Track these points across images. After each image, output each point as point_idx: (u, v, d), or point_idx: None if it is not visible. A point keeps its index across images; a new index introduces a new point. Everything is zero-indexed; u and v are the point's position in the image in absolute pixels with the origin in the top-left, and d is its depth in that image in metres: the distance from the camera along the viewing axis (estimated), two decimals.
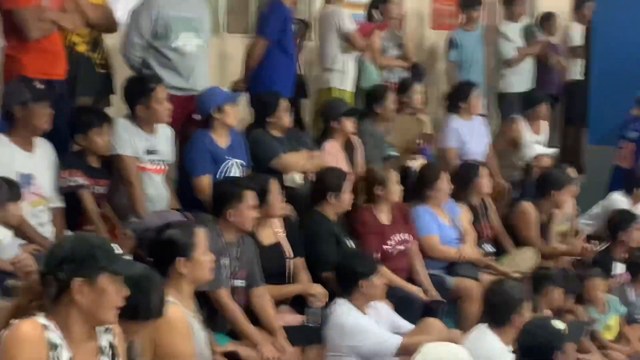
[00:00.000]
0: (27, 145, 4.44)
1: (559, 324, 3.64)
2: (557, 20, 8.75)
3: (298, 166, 5.41)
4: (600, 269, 5.71)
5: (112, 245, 2.61)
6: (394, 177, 5.31)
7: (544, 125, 7.19)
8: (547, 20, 8.69)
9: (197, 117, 5.18)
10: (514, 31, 8.05)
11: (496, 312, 4.19)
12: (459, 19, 8.03)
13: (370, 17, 7.24)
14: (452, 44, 7.79)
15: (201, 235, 3.43)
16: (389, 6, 7.24)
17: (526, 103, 7.21)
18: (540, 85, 8.15)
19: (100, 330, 2.63)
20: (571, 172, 6.43)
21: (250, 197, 4.29)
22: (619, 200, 6.56)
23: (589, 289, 5.60)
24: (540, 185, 6.16)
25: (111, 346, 2.66)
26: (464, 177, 5.88)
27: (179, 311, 3.25)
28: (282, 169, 5.32)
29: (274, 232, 4.73)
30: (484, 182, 5.93)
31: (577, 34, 8.73)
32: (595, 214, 6.72)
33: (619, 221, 6.14)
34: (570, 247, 6.09)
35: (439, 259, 5.55)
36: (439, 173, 5.64)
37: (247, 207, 4.26)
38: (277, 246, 4.69)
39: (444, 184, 5.60)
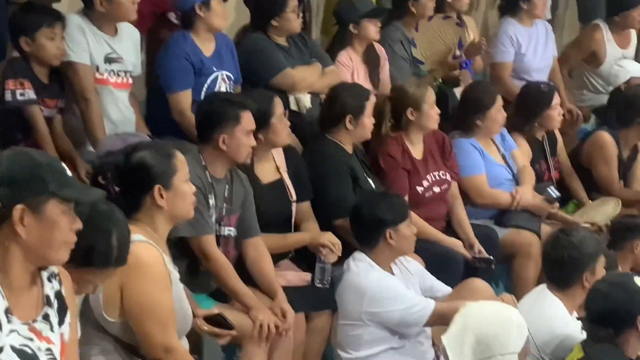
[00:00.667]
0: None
1: None
2: None
3: (307, 84, 5.49)
4: None
5: (63, 166, 2.63)
6: (430, 97, 5.35)
7: (634, 37, 7.24)
8: None
9: (173, 16, 5.26)
10: None
11: (561, 270, 4.26)
12: None
13: None
14: None
15: (181, 160, 3.50)
16: None
17: (613, 5, 7.22)
18: None
19: (44, 275, 2.67)
20: None
21: (247, 120, 4.35)
22: None
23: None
24: (622, 110, 6.23)
25: (58, 296, 2.69)
26: (529, 105, 5.98)
27: (155, 253, 3.32)
28: (287, 87, 5.40)
29: (275, 168, 4.81)
30: (556, 114, 6.02)
31: None
32: None
33: None
34: None
35: (487, 206, 5.66)
36: (492, 97, 5.70)
37: (243, 132, 4.31)
38: (279, 185, 4.76)
39: (498, 111, 5.68)
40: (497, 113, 5.67)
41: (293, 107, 5.40)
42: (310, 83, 5.50)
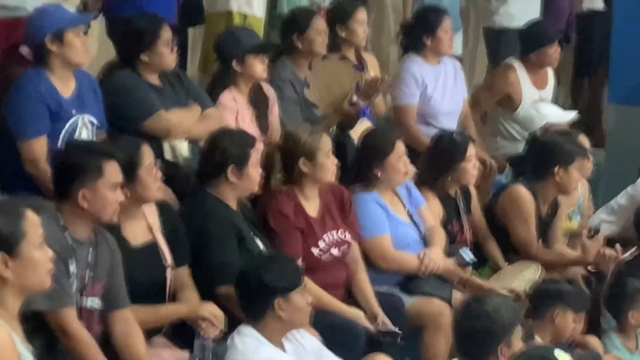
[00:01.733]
0: None
1: (563, 356, 3.73)
2: None
3: (184, 129, 5.52)
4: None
5: None
6: (325, 146, 5.41)
7: (551, 76, 7.47)
8: None
9: (25, 50, 5.21)
10: None
11: (473, 342, 4.28)
12: None
13: None
14: None
15: (32, 222, 3.41)
16: None
17: (527, 42, 7.43)
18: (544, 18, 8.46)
19: None
20: (584, 141, 6.66)
21: (112, 172, 4.33)
22: None
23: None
24: (538, 160, 6.36)
25: None
26: (441, 158, 6.07)
27: (4, 333, 3.20)
28: (160, 133, 5.42)
29: (147, 228, 4.81)
30: (471, 168, 6.14)
31: None
32: (619, 206, 6.93)
33: None
34: (583, 253, 6.28)
35: (391, 270, 5.69)
36: (391, 143, 5.77)
37: (107, 186, 4.30)
38: (151, 248, 4.76)
39: (399, 159, 5.73)
40: (398, 161, 5.73)
41: (168, 156, 5.41)
42: (188, 128, 5.52)
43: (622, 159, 7.41)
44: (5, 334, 3.21)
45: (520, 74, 7.28)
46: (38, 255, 3.38)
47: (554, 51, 7.33)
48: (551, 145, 6.40)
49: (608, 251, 6.22)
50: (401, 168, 5.76)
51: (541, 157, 6.36)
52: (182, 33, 7.01)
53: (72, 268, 4.20)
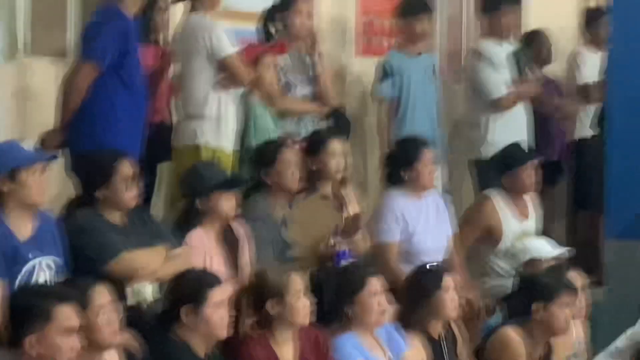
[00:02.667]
0: None
1: None
2: (552, 42, 9.53)
3: (149, 271, 5.62)
4: None
5: None
6: (296, 285, 5.52)
7: (533, 202, 7.68)
8: (537, 42, 9.49)
9: None
10: (499, 55, 8.71)
11: None
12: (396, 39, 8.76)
13: (267, 35, 7.68)
14: (383, 73, 8.42)
15: None
16: (294, 16, 7.64)
17: (498, 167, 7.75)
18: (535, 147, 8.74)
19: None
20: (577, 278, 6.79)
21: (65, 316, 4.38)
22: None
23: None
24: (525, 299, 6.46)
25: None
26: (417, 292, 6.18)
27: None
28: (124, 275, 5.52)
29: None
30: (449, 300, 6.21)
31: (589, 64, 9.48)
32: (619, 348, 6.99)
33: None
34: None
35: None
36: (361, 279, 5.88)
37: (59, 332, 4.33)
38: None
39: (371, 296, 5.82)
40: (370, 299, 5.79)
41: (131, 300, 5.50)
42: (153, 270, 5.61)
43: (623, 297, 7.45)
44: None
45: (498, 205, 7.54)
46: None
47: (528, 174, 7.57)
48: (529, 280, 6.56)
49: None
50: (374, 307, 5.81)
51: (526, 296, 6.45)
52: (151, 169, 7.21)
53: None
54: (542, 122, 9.13)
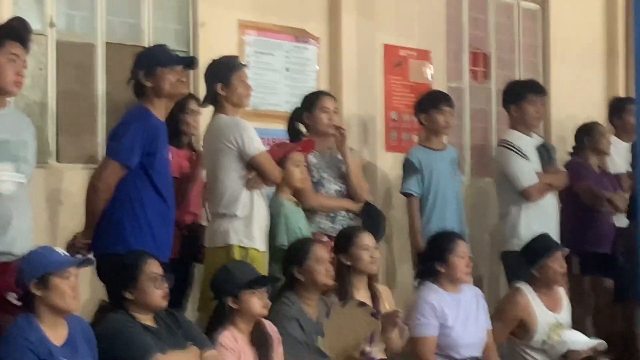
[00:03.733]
0: None
1: None
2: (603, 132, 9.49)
3: None
4: None
5: None
6: None
7: (565, 298, 7.62)
8: (596, 132, 9.41)
9: (13, 297, 5.33)
10: (528, 145, 8.69)
11: None
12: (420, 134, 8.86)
13: (294, 133, 7.73)
14: (410, 169, 8.45)
15: None
16: (320, 113, 7.67)
17: (528, 258, 7.67)
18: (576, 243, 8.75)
19: None
20: None
21: None
22: None
23: None
24: None
25: None
26: None
27: None
28: None
29: None
30: None
31: (620, 154, 9.51)
32: None
33: None
34: None
35: None
36: None
37: None
38: None
39: None
40: None
41: None
42: None
43: None
44: None
45: (530, 296, 7.45)
46: None
47: (558, 264, 7.53)
48: None
49: None
50: None
51: None
52: (184, 270, 7.32)
53: None
54: (588, 214, 9.14)
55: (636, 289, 7.73)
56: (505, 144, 8.74)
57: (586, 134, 9.45)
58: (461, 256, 7.15)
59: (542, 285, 7.54)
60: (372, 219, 7.71)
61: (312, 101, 7.77)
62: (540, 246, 7.67)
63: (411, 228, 8.50)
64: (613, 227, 9.27)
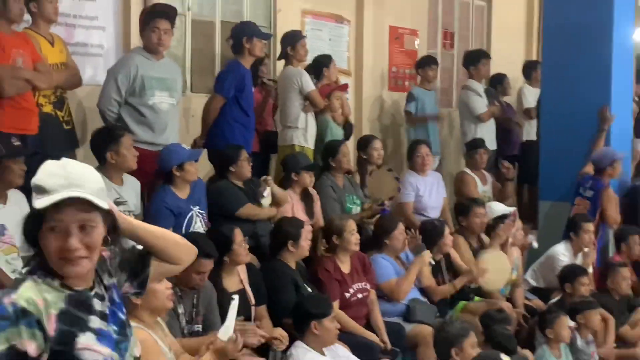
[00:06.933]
0: (0, 198, 4.66)
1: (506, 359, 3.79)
2: (509, 82, 9.35)
3: (263, 215, 5.71)
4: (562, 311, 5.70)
5: None
6: (351, 226, 5.49)
7: (488, 175, 7.61)
8: (499, 82, 9.28)
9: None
10: (479, 90, 8.61)
11: (438, 351, 4.45)
12: (417, 79, 8.71)
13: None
14: (410, 98, 8.44)
15: None
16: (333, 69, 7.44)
17: (466, 153, 7.70)
18: (500, 146, 8.69)
19: None
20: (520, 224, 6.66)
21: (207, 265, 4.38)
22: (560, 251, 6.75)
23: (558, 327, 5.47)
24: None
25: None
26: (426, 235, 6.09)
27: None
28: (246, 217, 5.58)
29: (239, 280, 4.92)
30: (447, 241, 6.13)
31: (530, 96, 9.34)
32: (540, 261, 6.93)
33: (565, 275, 6.31)
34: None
35: (400, 299, 5.71)
36: (395, 223, 5.89)
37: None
38: (242, 293, 4.79)
39: (400, 233, 5.84)
40: (400, 234, 5.80)
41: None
42: (265, 214, 5.78)
43: (550, 238, 7.15)
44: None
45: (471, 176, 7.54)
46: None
47: (480, 155, 7.57)
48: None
49: None
50: (402, 238, 5.87)
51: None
52: (263, 157, 7.23)
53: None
54: (506, 131, 9.02)
55: (537, 176, 7.79)
56: (466, 88, 8.63)
57: (496, 82, 9.27)
58: (423, 155, 7.08)
59: (474, 169, 7.52)
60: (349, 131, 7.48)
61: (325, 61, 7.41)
62: (474, 145, 7.69)
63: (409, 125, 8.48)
64: (518, 138, 9.22)
